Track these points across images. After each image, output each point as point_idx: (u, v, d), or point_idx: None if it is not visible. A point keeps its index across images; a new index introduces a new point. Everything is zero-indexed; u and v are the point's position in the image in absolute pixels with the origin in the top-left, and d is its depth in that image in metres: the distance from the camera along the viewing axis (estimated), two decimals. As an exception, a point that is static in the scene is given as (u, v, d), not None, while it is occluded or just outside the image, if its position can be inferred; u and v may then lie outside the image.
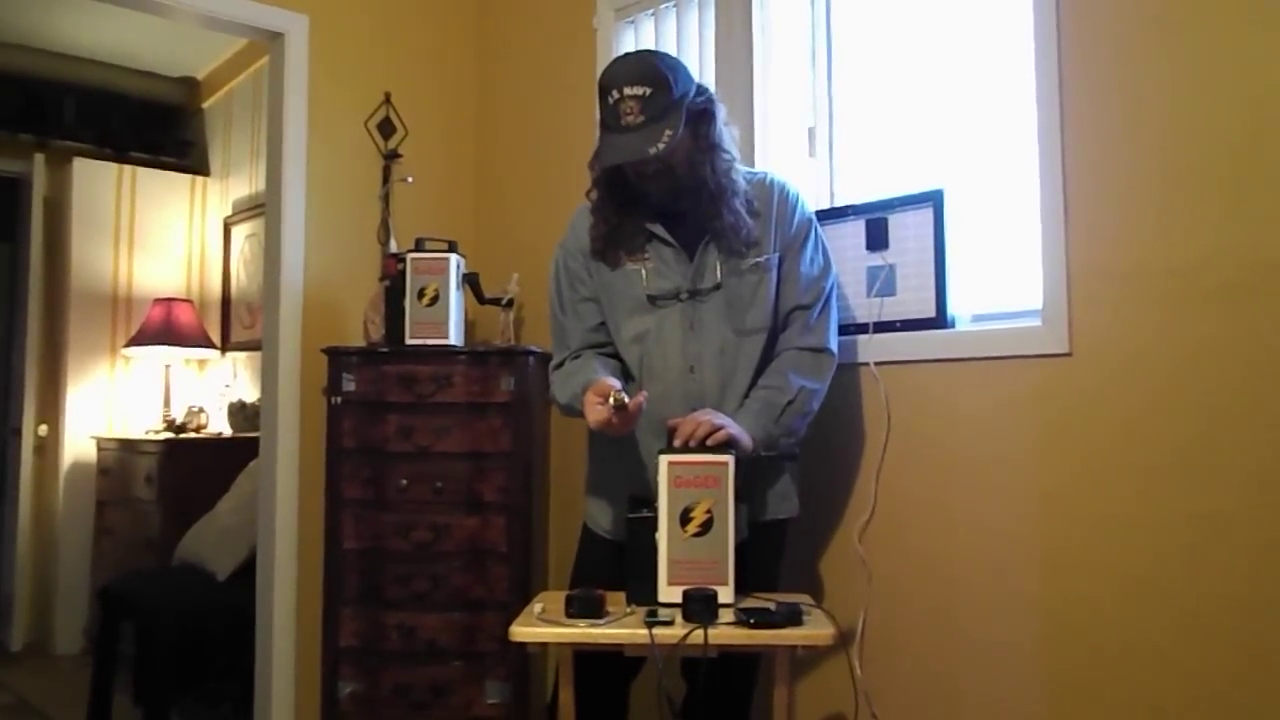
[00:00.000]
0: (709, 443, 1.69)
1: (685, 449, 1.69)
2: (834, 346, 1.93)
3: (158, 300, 4.28)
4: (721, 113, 1.89)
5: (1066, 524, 1.78)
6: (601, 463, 2.02)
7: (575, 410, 1.86)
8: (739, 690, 1.96)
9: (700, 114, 1.85)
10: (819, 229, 1.99)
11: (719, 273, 1.88)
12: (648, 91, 1.76)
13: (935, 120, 2.14)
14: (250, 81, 4.36)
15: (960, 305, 2.04)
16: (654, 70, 1.79)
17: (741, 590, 1.70)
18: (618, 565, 1.85)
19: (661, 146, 1.74)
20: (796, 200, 1.96)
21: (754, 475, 1.85)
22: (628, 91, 1.77)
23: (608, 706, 1.94)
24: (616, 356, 1.97)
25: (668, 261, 1.90)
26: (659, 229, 1.90)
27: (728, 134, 1.89)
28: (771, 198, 1.93)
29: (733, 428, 1.73)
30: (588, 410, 1.76)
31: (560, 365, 1.98)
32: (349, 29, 3.04)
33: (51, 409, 4.33)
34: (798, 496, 1.97)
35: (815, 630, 1.60)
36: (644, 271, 1.90)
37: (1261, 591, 1.54)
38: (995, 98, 2.02)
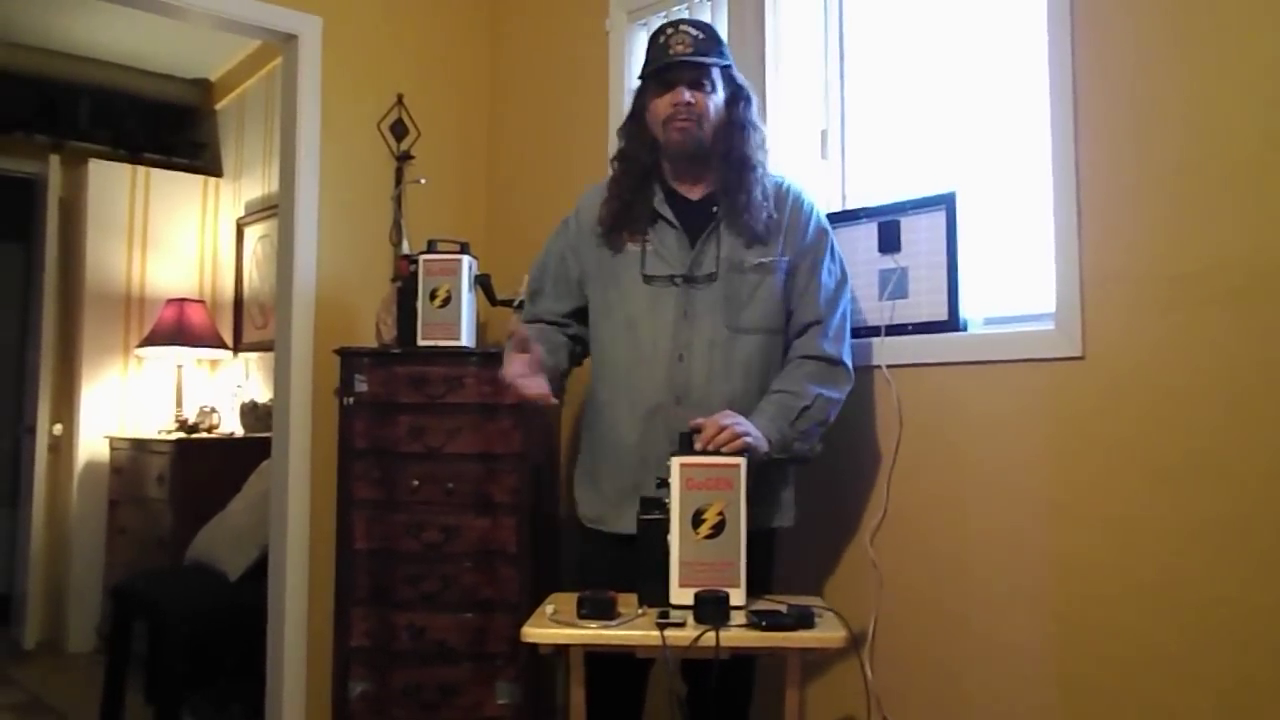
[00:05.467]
0: (726, 449, 1.69)
1: (704, 452, 1.69)
2: (849, 361, 1.91)
3: (170, 301, 4.30)
4: (755, 104, 1.94)
5: (1078, 527, 1.78)
6: (588, 449, 2.01)
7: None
8: (737, 688, 1.94)
9: (738, 90, 1.92)
10: (834, 239, 1.98)
11: (718, 264, 1.87)
12: (701, 35, 1.87)
13: (948, 123, 2.14)
14: (263, 83, 4.38)
15: (973, 308, 2.03)
16: (711, 28, 1.92)
17: None
18: (617, 556, 1.83)
19: (713, 60, 1.85)
20: (812, 209, 1.96)
21: (758, 482, 1.84)
22: (683, 28, 1.87)
23: (625, 706, 1.93)
24: (575, 340, 2.02)
25: (668, 245, 1.89)
26: (666, 210, 1.91)
27: (761, 125, 1.94)
28: (786, 202, 1.93)
29: (752, 433, 1.72)
30: (505, 363, 1.79)
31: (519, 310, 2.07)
32: (362, 31, 3.05)
33: (66, 408, 4.36)
34: (795, 508, 1.96)
35: (827, 633, 1.60)
36: (643, 252, 1.90)
37: (1273, 594, 1.53)
38: (1008, 100, 2.02)
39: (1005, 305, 2.01)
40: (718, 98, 1.87)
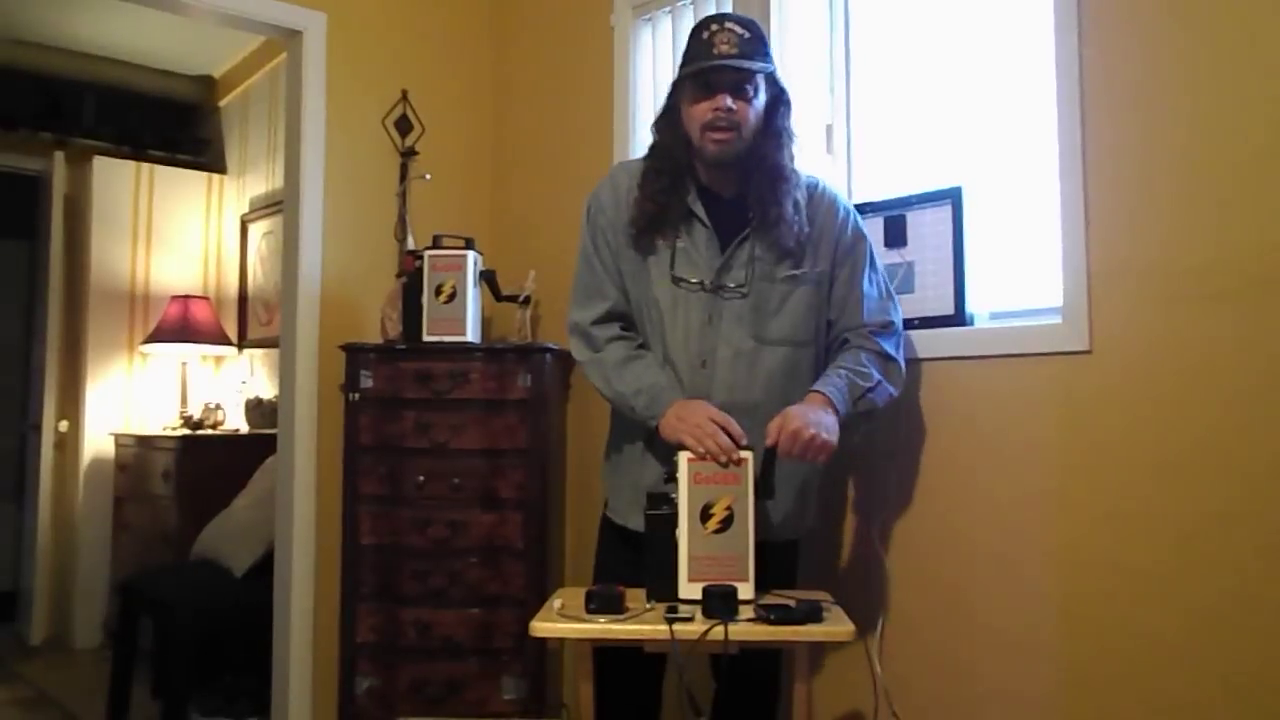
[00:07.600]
0: (818, 460, 1.70)
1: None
2: (903, 363, 1.88)
3: (175, 297, 4.31)
4: (792, 111, 1.88)
5: (1085, 520, 1.78)
6: (620, 446, 1.95)
7: (646, 417, 1.78)
8: (762, 685, 1.93)
9: (779, 94, 1.84)
10: (872, 247, 1.94)
11: (746, 274, 1.82)
12: (747, 34, 1.76)
13: (954, 117, 2.13)
14: (266, 79, 4.38)
15: (979, 303, 2.03)
16: (756, 26, 1.81)
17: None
18: (629, 554, 1.82)
19: (759, 65, 1.74)
20: (848, 214, 1.91)
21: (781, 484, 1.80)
22: (729, 25, 1.76)
23: (640, 702, 1.93)
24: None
25: (699, 245, 1.83)
26: (699, 209, 1.84)
27: (794, 130, 1.88)
28: (821, 207, 1.87)
29: (827, 433, 1.69)
30: (702, 444, 1.67)
31: (602, 323, 1.88)
32: (367, 27, 3.05)
33: (71, 405, 4.37)
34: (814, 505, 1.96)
35: (835, 627, 1.60)
36: (672, 251, 1.83)
37: (1277, 587, 1.54)
38: (1015, 94, 2.01)
39: (1012, 299, 2.00)
40: (758, 104, 1.78)
